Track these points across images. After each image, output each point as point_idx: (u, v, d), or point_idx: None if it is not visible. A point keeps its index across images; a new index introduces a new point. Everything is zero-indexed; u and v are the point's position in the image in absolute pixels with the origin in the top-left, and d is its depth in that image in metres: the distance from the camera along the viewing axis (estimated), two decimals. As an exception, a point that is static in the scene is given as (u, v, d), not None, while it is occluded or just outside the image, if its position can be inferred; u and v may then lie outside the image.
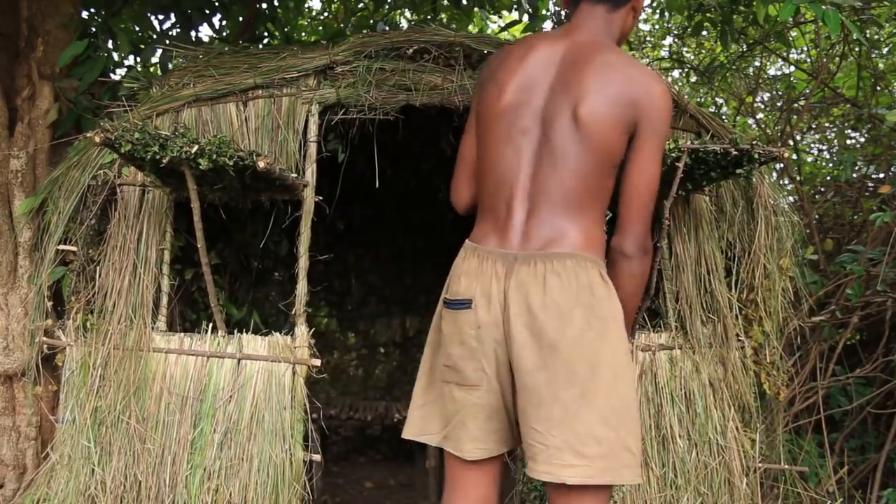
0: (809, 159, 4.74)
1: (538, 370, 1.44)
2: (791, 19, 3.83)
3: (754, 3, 3.26)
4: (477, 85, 1.71)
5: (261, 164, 2.04)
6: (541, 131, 1.53)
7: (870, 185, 3.81)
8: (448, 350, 1.55)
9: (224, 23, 3.78)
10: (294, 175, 2.33)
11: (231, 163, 2.01)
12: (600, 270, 1.51)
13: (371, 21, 4.17)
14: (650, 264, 1.56)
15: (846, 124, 4.50)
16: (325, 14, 4.83)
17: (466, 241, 1.61)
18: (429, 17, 4.07)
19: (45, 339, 2.42)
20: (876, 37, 4.02)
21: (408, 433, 1.65)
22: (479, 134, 1.63)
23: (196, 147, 1.97)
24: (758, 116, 4.83)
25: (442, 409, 1.59)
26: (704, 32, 4.53)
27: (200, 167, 2.00)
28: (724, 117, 4.76)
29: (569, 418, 1.43)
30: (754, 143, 2.18)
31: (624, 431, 1.46)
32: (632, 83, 1.50)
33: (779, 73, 5.03)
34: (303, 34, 4.48)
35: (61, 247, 2.45)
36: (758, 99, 4.91)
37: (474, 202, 1.67)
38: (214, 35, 3.76)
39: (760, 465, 2.52)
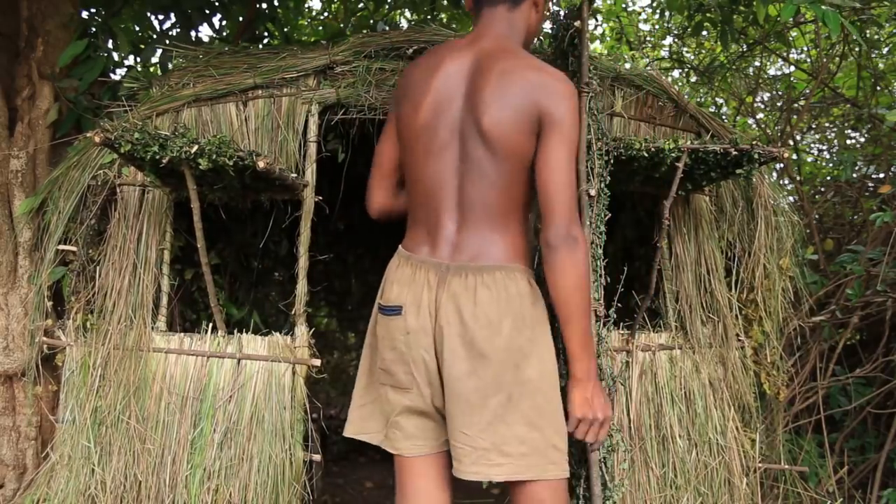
0: (809, 159, 4.75)
1: (468, 377, 1.50)
2: (791, 19, 3.83)
3: (754, 3, 3.26)
4: (393, 99, 1.74)
5: (261, 164, 2.04)
6: (459, 145, 1.56)
7: (870, 185, 3.81)
8: (382, 354, 1.62)
9: (224, 23, 3.78)
10: (294, 175, 2.33)
11: (231, 163, 2.01)
12: (528, 279, 1.58)
13: (371, 21, 4.17)
14: (583, 255, 1.50)
15: (846, 124, 4.50)
16: (325, 14, 4.83)
17: (400, 247, 1.67)
18: (429, 17, 4.07)
19: (45, 339, 2.42)
20: (876, 37, 4.02)
21: (348, 431, 1.70)
22: (402, 148, 1.67)
23: (196, 147, 1.97)
24: (758, 116, 4.83)
25: (381, 410, 1.66)
26: (704, 32, 4.53)
27: (200, 167, 2.00)
28: (724, 117, 4.76)
29: (495, 422, 1.50)
30: (754, 143, 2.18)
31: (550, 431, 1.53)
32: (530, 86, 1.52)
33: (779, 73, 5.03)
34: (303, 34, 4.48)
35: (61, 247, 2.45)
36: (758, 99, 4.91)
37: (387, 209, 1.76)
38: (214, 35, 3.76)
39: (760, 465, 2.52)
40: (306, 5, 4.56)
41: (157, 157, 1.97)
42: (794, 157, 4.03)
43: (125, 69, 3.25)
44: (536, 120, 1.52)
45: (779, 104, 4.77)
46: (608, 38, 5.73)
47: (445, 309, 1.52)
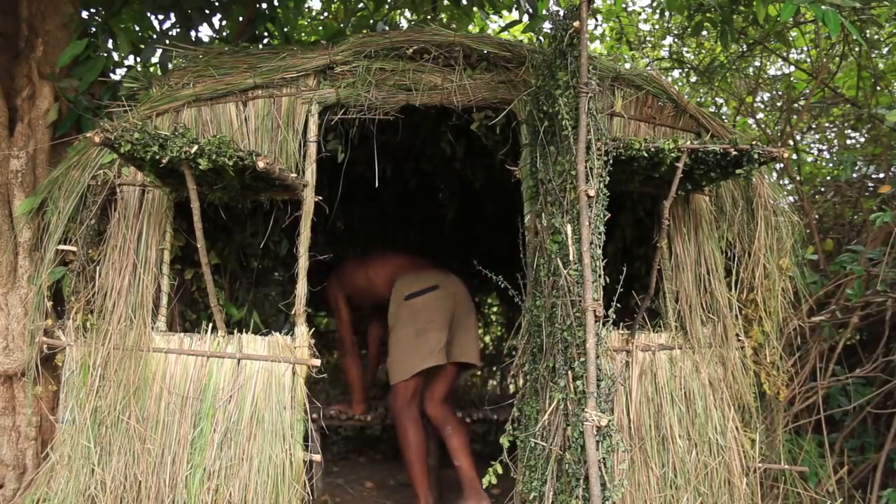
0: (809, 159, 4.75)
1: (466, 318, 3.24)
2: (791, 19, 3.83)
3: (754, 3, 3.26)
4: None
5: (260, 164, 2.04)
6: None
7: (870, 185, 3.81)
8: (426, 313, 3.12)
9: (224, 23, 3.78)
10: (294, 175, 2.33)
11: (231, 163, 2.01)
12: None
13: (371, 21, 4.17)
14: None
15: (846, 124, 4.50)
16: (325, 14, 4.84)
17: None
18: (429, 16, 4.07)
19: (45, 339, 2.42)
20: (876, 37, 4.02)
21: (416, 369, 3.06)
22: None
23: (196, 147, 1.97)
24: (758, 116, 4.84)
25: (424, 348, 3.07)
26: (704, 32, 4.54)
27: (200, 167, 2.00)
28: (724, 117, 4.76)
29: (472, 336, 3.26)
30: (754, 143, 2.18)
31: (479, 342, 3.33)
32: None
33: (779, 73, 5.03)
34: (303, 34, 4.48)
35: (61, 247, 2.45)
36: (758, 99, 4.91)
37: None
38: (214, 35, 3.76)
39: (760, 465, 2.52)
40: (306, 5, 4.56)
41: (157, 157, 1.97)
42: (794, 157, 4.03)
43: (125, 69, 3.25)
44: None
45: (779, 104, 4.78)
46: (608, 38, 5.73)
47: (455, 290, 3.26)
